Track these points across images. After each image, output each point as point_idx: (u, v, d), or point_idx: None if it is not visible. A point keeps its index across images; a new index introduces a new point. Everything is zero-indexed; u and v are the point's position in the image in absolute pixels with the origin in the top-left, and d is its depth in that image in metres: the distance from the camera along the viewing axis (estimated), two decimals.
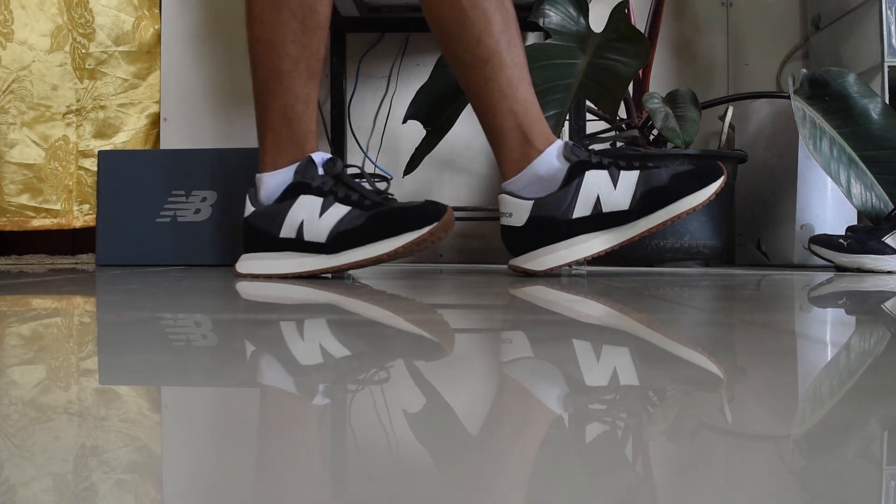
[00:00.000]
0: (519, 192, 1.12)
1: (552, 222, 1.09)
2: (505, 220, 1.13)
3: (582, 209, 1.08)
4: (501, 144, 1.12)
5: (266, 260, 1.09)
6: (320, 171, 1.08)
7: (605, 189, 1.07)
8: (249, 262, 1.11)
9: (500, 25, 1.09)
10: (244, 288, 0.92)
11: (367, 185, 1.09)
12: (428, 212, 1.02)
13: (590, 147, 1.12)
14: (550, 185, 1.10)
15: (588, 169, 1.08)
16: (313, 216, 1.05)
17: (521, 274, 1.12)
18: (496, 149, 1.14)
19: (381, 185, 1.19)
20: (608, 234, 1.08)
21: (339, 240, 1.04)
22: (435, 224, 1.01)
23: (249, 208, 1.12)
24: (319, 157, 1.10)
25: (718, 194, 1.06)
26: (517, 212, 1.11)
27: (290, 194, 1.07)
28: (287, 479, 0.22)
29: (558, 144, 1.11)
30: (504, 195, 1.13)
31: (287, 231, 1.06)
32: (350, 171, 1.11)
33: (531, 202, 1.10)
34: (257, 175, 1.13)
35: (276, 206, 1.08)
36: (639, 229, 1.07)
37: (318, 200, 1.06)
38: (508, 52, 1.10)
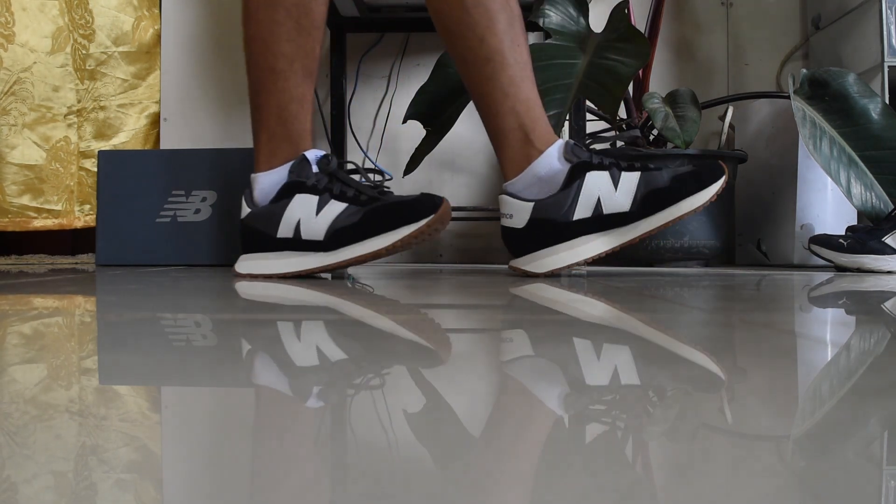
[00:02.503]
0: (520, 192, 1.11)
1: (553, 224, 1.08)
2: (506, 222, 1.12)
3: (583, 211, 1.07)
4: (503, 144, 1.12)
5: (265, 260, 1.09)
6: (314, 168, 1.09)
7: (606, 190, 1.06)
8: (249, 263, 1.11)
9: (503, 24, 1.09)
10: (243, 288, 0.92)
11: (363, 181, 1.09)
12: (424, 204, 1.03)
13: (591, 147, 1.11)
14: (551, 187, 1.09)
15: (589, 170, 1.07)
16: (310, 215, 1.06)
17: (522, 275, 1.12)
18: (498, 149, 1.13)
19: (376, 179, 1.18)
20: (609, 236, 1.07)
21: (337, 237, 1.04)
22: (431, 217, 1.02)
23: (245, 209, 1.12)
24: (313, 154, 1.10)
25: (719, 194, 1.06)
26: (518, 213, 1.10)
27: (286, 193, 1.08)
28: (286, 479, 0.22)
29: (559, 145, 1.10)
30: (505, 196, 1.12)
31: (284, 231, 1.07)
32: (347, 166, 1.11)
33: (531, 204, 1.09)
34: (252, 175, 1.13)
35: (272, 207, 1.08)
36: (639, 231, 1.07)
37: (315, 199, 1.06)
38: (512, 51, 1.09)
